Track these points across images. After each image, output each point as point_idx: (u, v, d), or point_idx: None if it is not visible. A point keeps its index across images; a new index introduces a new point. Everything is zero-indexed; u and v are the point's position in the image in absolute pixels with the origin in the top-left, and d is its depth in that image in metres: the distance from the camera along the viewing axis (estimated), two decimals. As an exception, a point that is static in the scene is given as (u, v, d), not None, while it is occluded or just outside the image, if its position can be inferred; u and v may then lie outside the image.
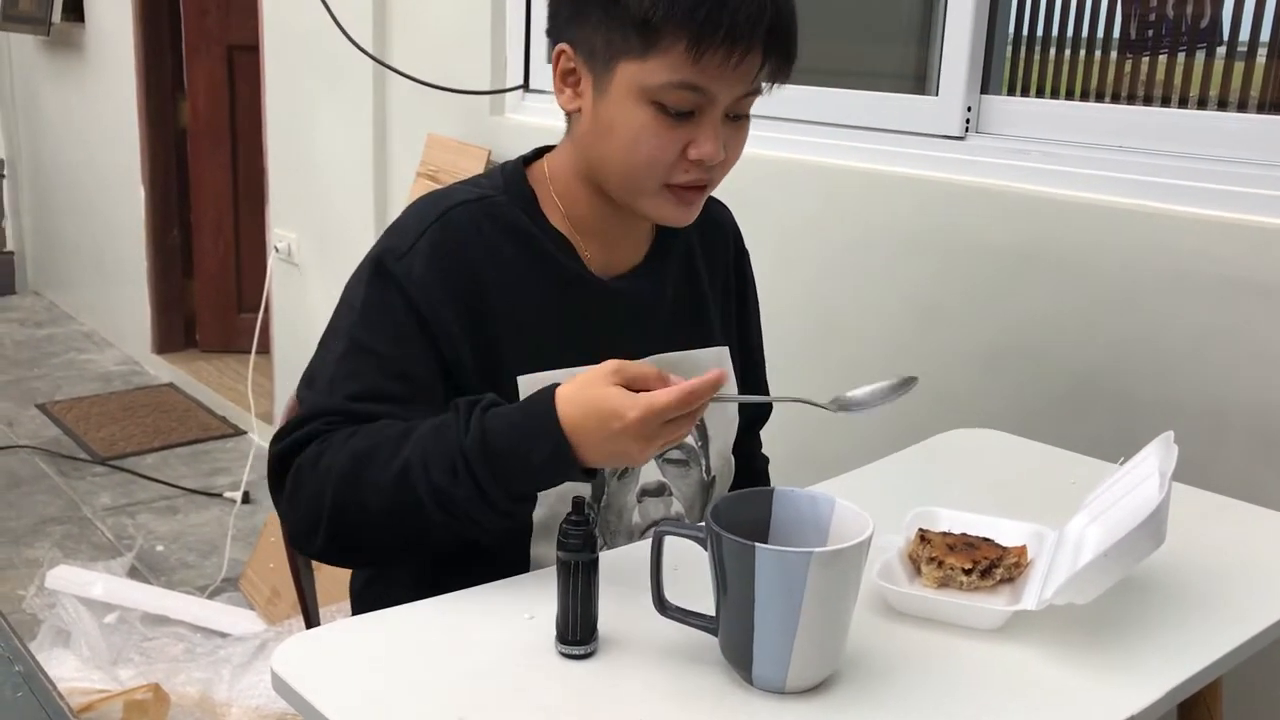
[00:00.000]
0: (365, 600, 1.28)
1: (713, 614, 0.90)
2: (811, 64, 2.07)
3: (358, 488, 1.03)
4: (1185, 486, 1.31)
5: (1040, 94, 1.93)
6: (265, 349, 3.57)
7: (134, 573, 2.84)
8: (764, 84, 1.11)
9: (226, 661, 2.25)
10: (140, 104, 4.19)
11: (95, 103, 4.52)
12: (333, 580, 2.39)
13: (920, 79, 2.48)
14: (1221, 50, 2.46)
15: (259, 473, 3.29)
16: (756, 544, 0.83)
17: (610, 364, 0.98)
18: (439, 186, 2.60)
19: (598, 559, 0.91)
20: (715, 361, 1.28)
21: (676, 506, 1.25)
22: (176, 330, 4.46)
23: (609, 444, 0.96)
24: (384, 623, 0.99)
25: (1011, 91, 1.89)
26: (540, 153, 1.25)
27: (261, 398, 3.65)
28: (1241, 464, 1.48)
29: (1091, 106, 1.74)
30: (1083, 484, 1.31)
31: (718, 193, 1.35)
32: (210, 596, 2.76)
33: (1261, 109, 1.85)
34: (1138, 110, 1.66)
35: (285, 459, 1.08)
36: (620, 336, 1.20)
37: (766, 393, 1.43)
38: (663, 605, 0.92)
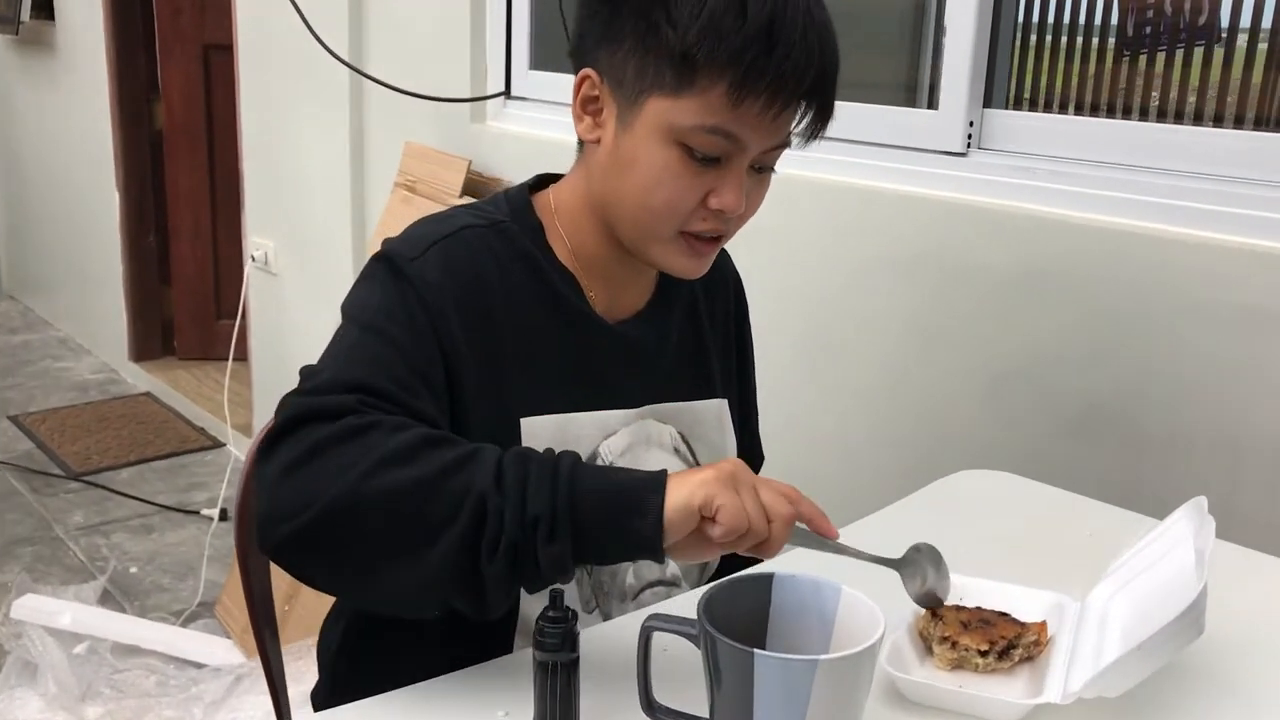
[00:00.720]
0: (339, 666, 1.19)
1: (706, 717, 0.81)
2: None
3: (404, 463, 0.86)
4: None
5: (1046, 107, 1.84)
6: (243, 356, 3.47)
7: (106, 597, 2.75)
8: (800, 143, 1.03)
9: (199, 699, 2.16)
10: (114, 105, 4.08)
11: (68, 103, 4.40)
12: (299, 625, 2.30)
13: (911, 89, 2.39)
14: (1220, 47, 2.38)
15: (236, 488, 3.19)
16: (755, 650, 0.75)
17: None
18: (418, 198, 2.52)
19: (578, 658, 0.83)
20: (716, 414, 1.20)
21: (673, 568, 1.16)
22: (154, 337, 4.36)
23: (696, 474, 0.86)
24: (348, 716, 0.90)
25: (1014, 105, 1.80)
26: (543, 181, 1.16)
27: (239, 408, 3.56)
28: (1260, 503, 1.40)
29: (1100, 122, 1.65)
30: (1099, 536, 1.24)
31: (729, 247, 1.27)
32: (185, 623, 2.67)
33: (1264, 124, 1.76)
34: (1149, 127, 1.57)
35: (299, 423, 0.90)
36: (623, 383, 1.13)
37: (760, 450, 1.35)
38: (650, 707, 0.84)
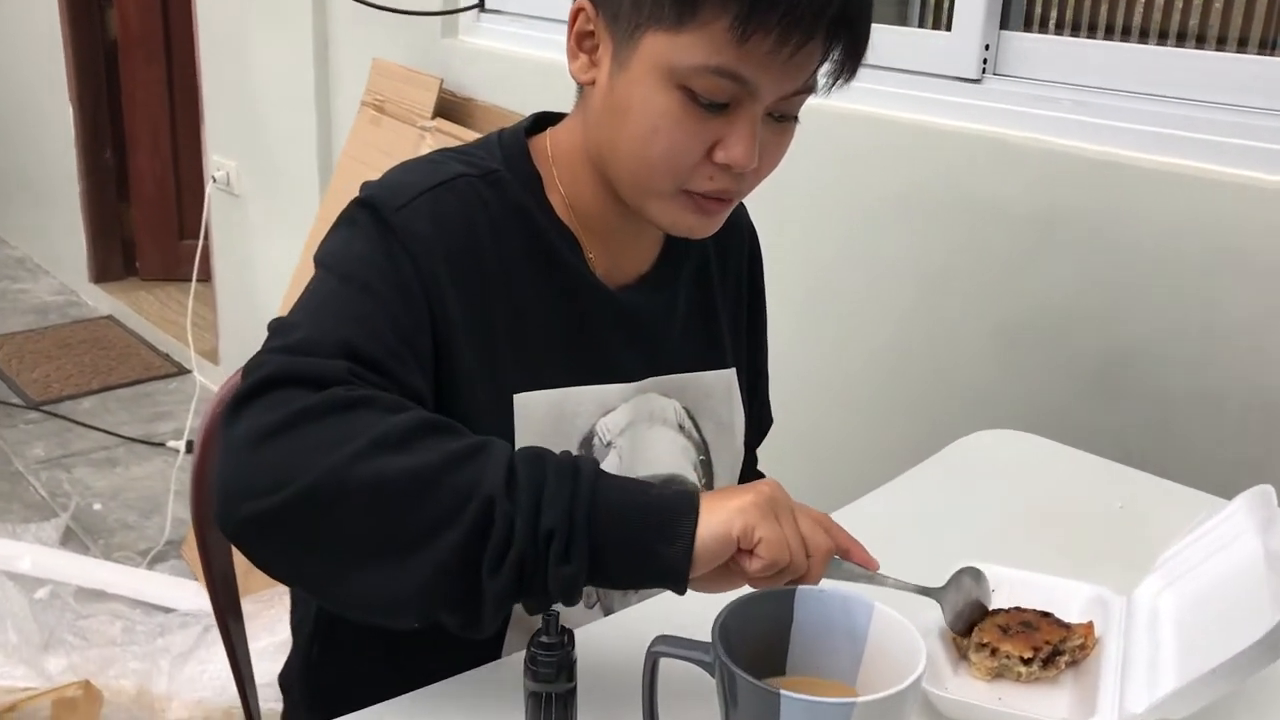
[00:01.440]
0: (312, 652, 1.09)
1: (722, 754, 0.72)
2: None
3: (397, 449, 0.74)
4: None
5: (1071, 29, 1.70)
6: (206, 278, 3.32)
7: (69, 535, 2.65)
8: (821, 87, 0.89)
9: (165, 651, 2.07)
10: (62, 9, 3.85)
11: (15, 6, 4.17)
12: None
13: (902, 3, 2.24)
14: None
15: (204, 418, 3.07)
16: (782, 692, 0.65)
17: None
18: (387, 119, 2.36)
19: (575, 687, 0.73)
20: (725, 385, 1.09)
21: None
22: (115, 257, 4.19)
23: (738, 498, 0.75)
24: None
25: (1034, 27, 1.66)
26: (540, 122, 1.03)
27: (204, 332, 3.42)
28: (1298, 466, 1.31)
29: (1130, 48, 1.52)
30: (1130, 508, 1.15)
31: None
32: (152, 564, 2.58)
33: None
34: (1184, 53, 1.45)
35: (275, 385, 0.77)
36: (624, 354, 1.01)
37: (769, 414, 1.25)
38: (658, 741, 0.74)
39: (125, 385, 3.51)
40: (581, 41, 0.93)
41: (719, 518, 0.74)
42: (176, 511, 2.74)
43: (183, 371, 3.60)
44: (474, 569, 0.72)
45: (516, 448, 0.77)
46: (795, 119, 0.92)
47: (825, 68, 0.88)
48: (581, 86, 0.96)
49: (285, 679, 1.15)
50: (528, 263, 0.96)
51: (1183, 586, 0.88)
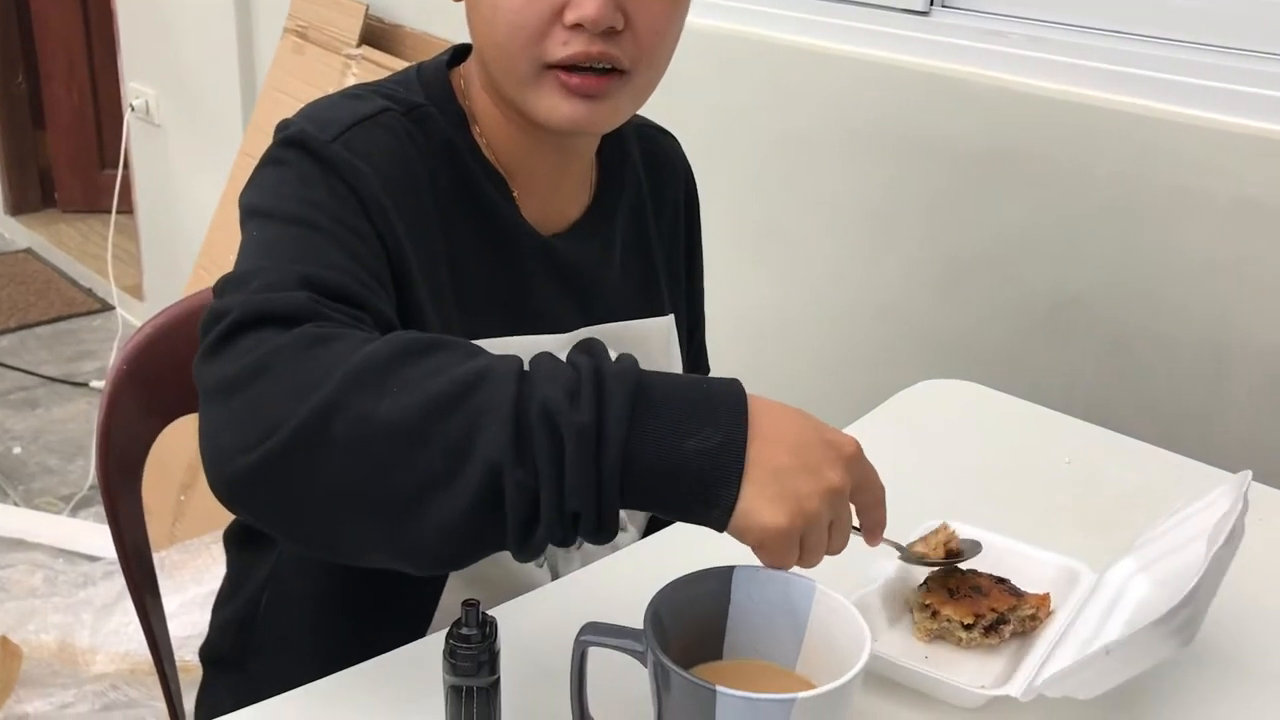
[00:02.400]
0: (232, 621, 1.03)
1: (655, 748, 0.68)
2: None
3: (376, 388, 0.65)
4: (1188, 461, 1.12)
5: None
6: (128, 209, 3.19)
7: (-14, 482, 2.56)
8: None
9: (89, 603, 2.00)
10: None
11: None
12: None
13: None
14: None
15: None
16: (717, 688, 0.60)
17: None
18: (310, 46, 2.25)
19: (498, 680, 0.68)
20: (662, 332, 1.05)
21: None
22: (32, 188, 4.03)
23: (795, 475, 0.65)
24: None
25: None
26: (460, 55, 0.96)
27: (128, 267, 3.30)
28: (1246, 413, 1.29)
29: (1083, -21, 1.46)
30: (1078, 462, 1.12)
31: (656, 115, 1.08)
32: (75, 509, 2.50)
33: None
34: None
35: (244, 328, 0.69)
36: (561, 305, 0.96)
37: (706, 361, 1.21)
38: (588, 733, 0.70)
39: (45, 323, 3.39)
40: None
41: (768, 503, 0.64)
42: (100, 455, 2.65)
43: (106, 308, 3.47)
44: (491, 533, 0.64)
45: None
46: None
47: None
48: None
49: (210, 649, 1.09)
50: (459, 206, 0.90)
51: (1155, 571, 0.85)
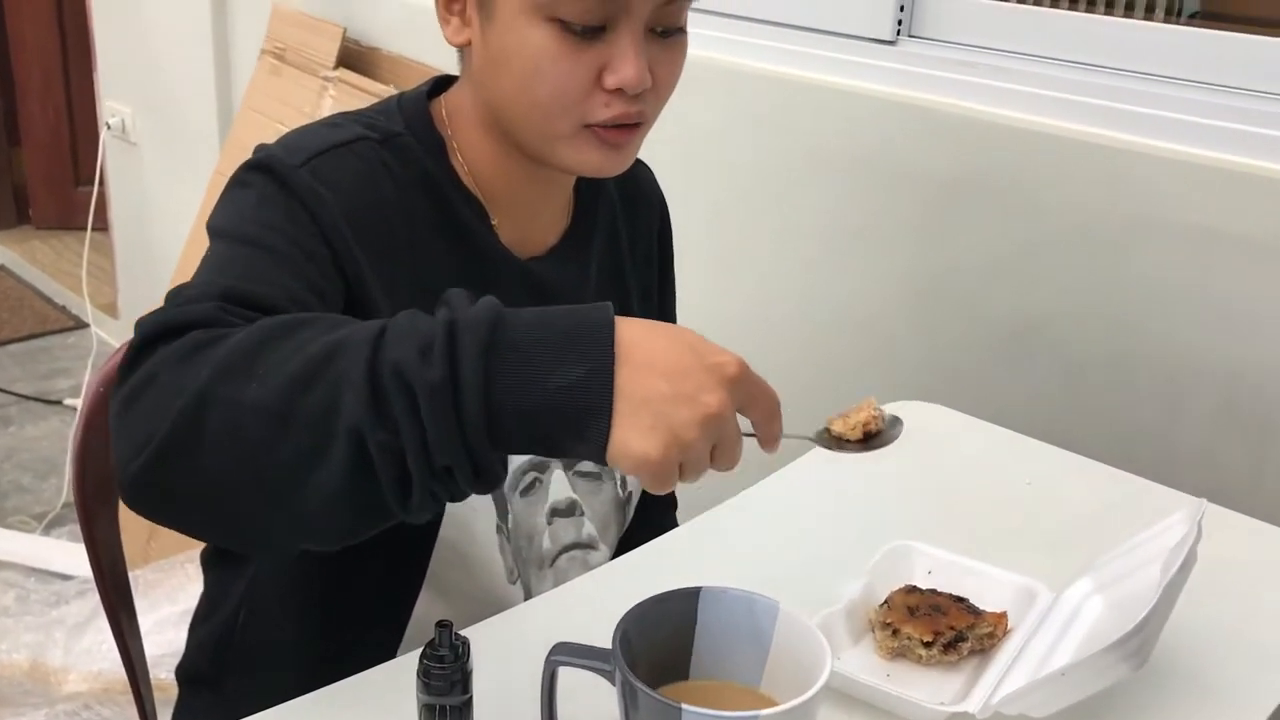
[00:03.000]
0: (208, 640, 1.05)
1: (624, 764, 0.70)
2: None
3: (244, 375, 0.66)
4: (1145, 482, 1.15)
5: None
6: (103, 227, 3.19)
7: (-41, 501, 2.55)
8: None
9: (60, 623, 2.00)
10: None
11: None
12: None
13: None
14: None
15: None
16: (683, 707, 0.63)
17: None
18: (287, 68, 2.27)
19: (470, 699, 0.70)
20: None
21: (588, 528, 1.04)
22: (6, 204, 4.01)
23: (669, 403, 0.64)
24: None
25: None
26: (441, 85, 0.98)
27: (103, 285, 3.29)
28: (1202, 436, 1.32)
29: (1048, 12, 1.50)
30: (1037, 484, 1.15)
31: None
32: (48, 528, 2.49)
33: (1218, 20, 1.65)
34: (1102, 20, 1.44)
35: (148, 345, 0.71)
36: None
37: None
38: (558, 751, 0.72)
39: (18, 340, 3.38)
40: (449, 5, 0.91)
41: (640, 434, 0.64)
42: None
43: (80, 325, 3.46)
44: (373, 499, 0.66)
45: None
46: (683, 30, 0.90)
47: None
48: (461, 52, 0.93)
49: (187, 667, 1.10)
50: (435, 232, 0.92)
51: (1111, 593, 0.87)
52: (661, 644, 0.72)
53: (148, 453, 0.67)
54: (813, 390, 1.65)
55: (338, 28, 2.17)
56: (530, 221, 0.99)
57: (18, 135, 3.92)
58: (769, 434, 0.72)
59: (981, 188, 1.45)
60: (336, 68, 2.16)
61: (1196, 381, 1.31)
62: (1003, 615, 0.88)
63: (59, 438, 2.84)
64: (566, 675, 0.70)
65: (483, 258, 0.95)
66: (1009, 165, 1.43)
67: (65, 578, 2.26)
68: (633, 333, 0.67)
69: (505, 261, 0.96)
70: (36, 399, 3.05)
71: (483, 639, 0.76)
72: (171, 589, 2.00)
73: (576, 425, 0.65)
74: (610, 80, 0.85)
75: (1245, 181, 1.25)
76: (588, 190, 1.05)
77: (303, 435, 0.64)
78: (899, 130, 1.52)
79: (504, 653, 0.83)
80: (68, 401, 3.01)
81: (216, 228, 0.84)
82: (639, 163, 1.13)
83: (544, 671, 0.70)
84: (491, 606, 0.93)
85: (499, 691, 0.77)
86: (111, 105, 3.02)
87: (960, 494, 1.12)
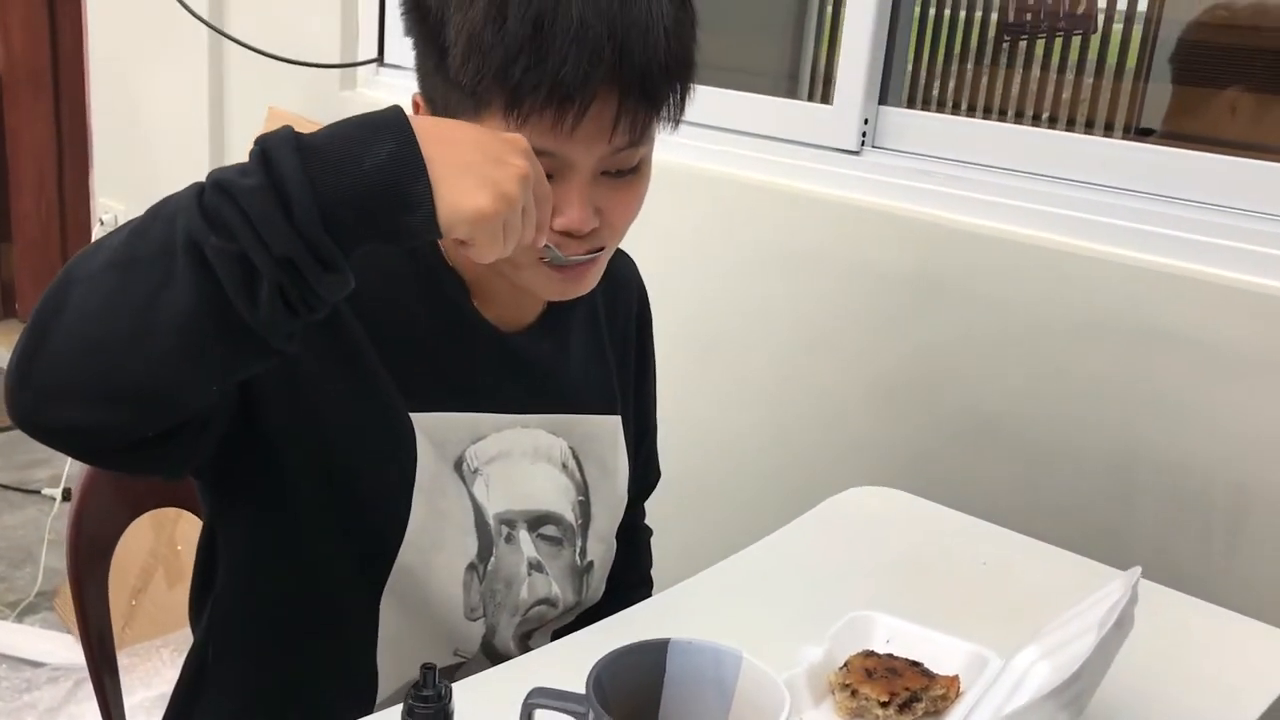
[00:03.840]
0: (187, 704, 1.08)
1: (594, 803, 0.74)
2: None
3: (95, 251, 0.73)
4: (1094, 564, 1.20)
5: (939, 107, 1.80)
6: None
7: (-68, 588, 2.56)
8: (632, 136, 0.90)
9: (32, 707, 2.00)
10: (-55, 44, 3.76)
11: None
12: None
13: (793, 78, 2.34)
14: (1096, 37, 2.39)
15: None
16: (651, 742, 0.67)
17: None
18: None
19: (452, 738, 0.74)
20: (609, 432, 1.13)
21: (555, 588, 1.09)
22: (-7, 298, 4.07)
23: (486, 166, 0.74)
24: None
25: (916, 104, 1.75)
26: None
27: (87, 380, 3.34)
28: (1150, 527, 1.39)
29: (999, 126, 1.61)
30: (993, 565, 1.20)
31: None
32: (21, 616, 2.49)
33: (1130, 131, 1.76)
34: (1049, 134, 1.54)
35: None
36: (507, 389, 1.04)
37: (657, 467, 1.29)
38: (533, 791, 0.76)
39: (-1, 431, 3.40)
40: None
41: (468, 193, 0.73)
42: (50, 561, 2.65)
43: (61, 417, 3.50)
44: (225, 311, 0.70)
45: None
46: (635, 170, 0.94)
47: (624, 124, 0.88)
48: None
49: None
50: (420, 302, 0.99)
51: (1055, 658, 0.92)
52: (631, 693, 0.76)
53: (24, 340, 0.72)
54: (783, 477, 1.72)
55: (331, 130, 2.27)
56: (508, 304, 1.05)
57: (9, 231, 3.99)
58: (542, 215, 0.79)
59: (941, 288, 1.53)
60: (329, 168, 2.25)
61: (1147, 471, 1.38)
62: (955, 679, 0.93)
63: (35, 526, 2.85)
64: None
65: (462, 324, 1.01)
66: (966, 266, 1.51)
67: (37, 665, 2.26)
68: (425, 122, 0.75)
69: (486, 333, 1.02)
70: (14, 488, 3.06)
71: (461, 692, 0.80)
72: (146, 673, 2.00)
73: (400, 197, 0.72)
74: (558, 223, 0.91)
75: (1183, 283, 1.34)
76: None
77: (147, 269, 0.70)
78: (864, 233, 1.61)
79: (480, 703, 0.87)
80: (46, 491, 3.02)
81: None
82: (620, 252, 1.20)
83: (521, 714, 0.74)
84: (445, 640, 0.99)
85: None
86: (105, 202, 3.10)
87: (918, 570, 1.18)
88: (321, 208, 0.70)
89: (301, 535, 0.98)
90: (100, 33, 3.00)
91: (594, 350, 1.13)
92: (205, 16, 2.47)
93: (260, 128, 2.44)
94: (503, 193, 0.74)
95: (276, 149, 0.71)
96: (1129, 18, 2.26)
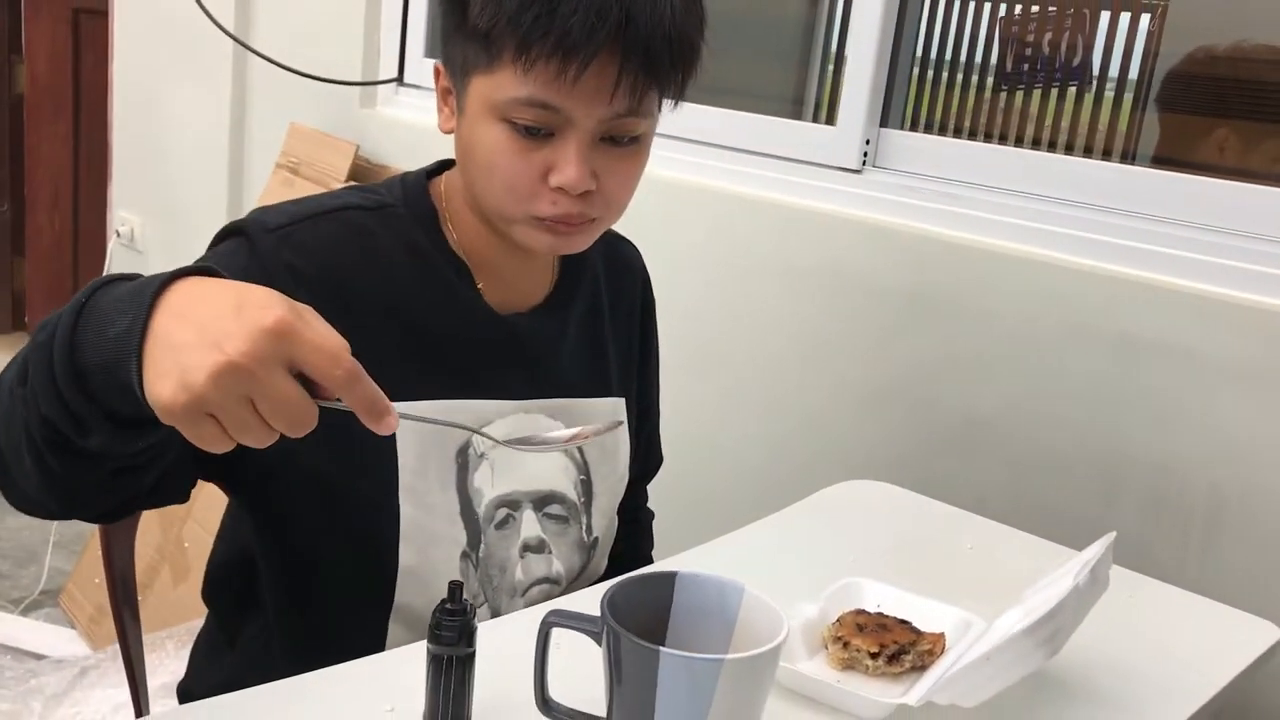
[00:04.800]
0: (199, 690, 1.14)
1: (604, 716, 0.80)
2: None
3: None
4: (1077, 553, 1.26)
5: (949, 131, 1.89)
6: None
7: (-62, 583, 2.60)
8: (631, 101, 0.95)
9: (38, 692, 2.04)
10: (-30, 64, 3.86)
11: (-80, 59, 4.15)
12: (166, 604, 2.21)
13: (799, 101, 2.43)
14: (1090, 92, 2.50)
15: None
16: (661, 648, 0.73)
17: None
18: (300, 180, 2.44)
19: (474, 653, 0.80)
20: (610, 413, 1.18)
21: (557, 565, 1.14)
22: (3, 311, 4.13)
23: (188, 350, 0.65)
24: (218, 713, 0.85)
25: (919, 126, 1.84)
26: (444, 167, 1.13)
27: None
28: (1131, 526, 1.44)
29: (992, 148, 1.70)
30: (978, 549, 1.26)
31: (622, 227, 1.25)
32: (25, 612, 2.53)
33: (1127, 158, 1.85)
34: (1037, 155, 1.62)
35: None
36: (509, 375, 1.09)
37: (660, 451, 1.34)
38: (546, 705, 0.81)
39: (5, 437, 3.45)
40: (446, 97, 1.05)
41: (158, 379, 0.66)
42: (55, 562, 2.70)
43: (67, 426, 3.55)
44: (46, 450, 0.76)
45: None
46: (638, 140, 1.00)
47: (625, 86, 0.93)
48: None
49: (179, 689, 1.19)
50: (415, 287, 1.04)
51: (1030, 615, 0.99)
52: (641, 618, 0.82)
53: None
54: (784, 473, 1.78)
55: (351, 144, 2.35)
56: (513, 285, 1.11)
57: (22, 245, 4.07)
58: (329, 380, 0.68)
59: (935, 299, 1.61)
60: (347, 181, 2.33)
61: (1128, 471, 1.45)
62: (940, 635, 0.99)
63: (41, 529, 2.89)
64: (557, 648, 0.80)
65: (463, 311, 1.07)
66: (960, 279, 1.59)
67: (39, 657, 2.30)
68: (190, 286, 0.69)
69: (486, 317, 1.08)
70: (20, 492, 3.11)
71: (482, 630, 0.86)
72: (152, 664, 2.04)
73: (119, 372, 0.68)
74: (553, 179, 0.97)
75: (1161, 295, 1.42)
76: (570, 261, 1.17)
77: (7, 401, 0.78)
78: (863, 248, 1.68)
79: (496, 636, 0.93)
80: (51, 495, 3.07)
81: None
82: (625, 241, 1.26)
83: (539, 631, 0.80)
84: None
85: (494, 654, 0.87)
86: (122, 215, 3.18)
87: (906, 552, 1.23)
88: (75, 373, 0.70)
89: (306, 541, 1.02)
90: (126, 53, 3.09)
91: (595, 335, 1.18)
92: (232, 31, 2.56)
93: (280, 140, 2.52)
94: (185, 384, 0.64)
95: (76, 299, 0.72)
96: (1120, 85, 2.36)
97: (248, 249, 0.97)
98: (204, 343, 0.65)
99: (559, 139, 0.96)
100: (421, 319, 1.04)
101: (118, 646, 2.07)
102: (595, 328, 1.19)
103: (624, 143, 1.00)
